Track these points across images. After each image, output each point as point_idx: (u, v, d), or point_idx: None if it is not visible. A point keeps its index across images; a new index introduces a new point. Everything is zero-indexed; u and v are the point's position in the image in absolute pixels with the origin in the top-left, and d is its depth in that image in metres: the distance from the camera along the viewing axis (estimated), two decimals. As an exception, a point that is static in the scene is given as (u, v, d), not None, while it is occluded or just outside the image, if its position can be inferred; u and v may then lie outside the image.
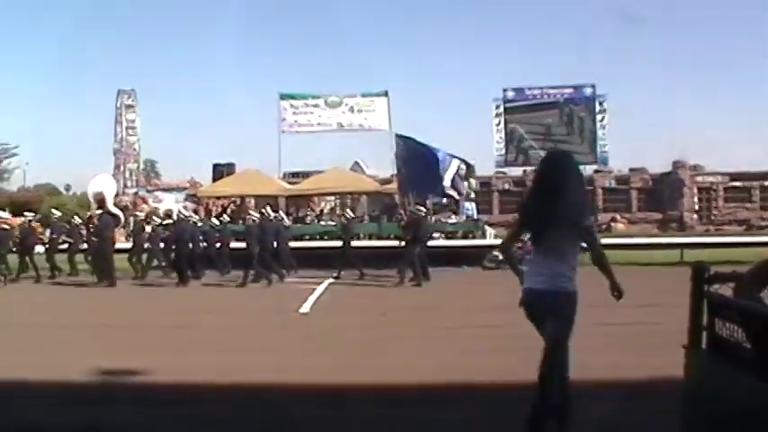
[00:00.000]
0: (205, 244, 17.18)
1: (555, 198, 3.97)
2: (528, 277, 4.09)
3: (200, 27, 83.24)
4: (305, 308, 11.67)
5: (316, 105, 27.83)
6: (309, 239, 20.60)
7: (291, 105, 28.08)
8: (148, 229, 17.58)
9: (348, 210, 20.85)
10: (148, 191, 39.53)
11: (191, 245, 16.43)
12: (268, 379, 6.32)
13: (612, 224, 29.90)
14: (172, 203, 33.54)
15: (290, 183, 26.23)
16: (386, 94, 26.55)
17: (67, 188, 60.23)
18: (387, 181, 24.23)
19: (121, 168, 40.75)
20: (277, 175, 26.90)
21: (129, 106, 40.96)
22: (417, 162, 18.61)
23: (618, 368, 6.00)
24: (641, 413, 4.93)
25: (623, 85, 75.48)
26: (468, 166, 20.33)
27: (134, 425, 5.18)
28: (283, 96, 28.43)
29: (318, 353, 7.92)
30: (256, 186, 24.87)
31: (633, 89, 73.70)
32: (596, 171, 46.24)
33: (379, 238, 20.03)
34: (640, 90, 74.40)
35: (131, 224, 19.06)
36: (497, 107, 47.08)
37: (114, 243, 16.54)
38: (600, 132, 46.28)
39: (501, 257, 16.79)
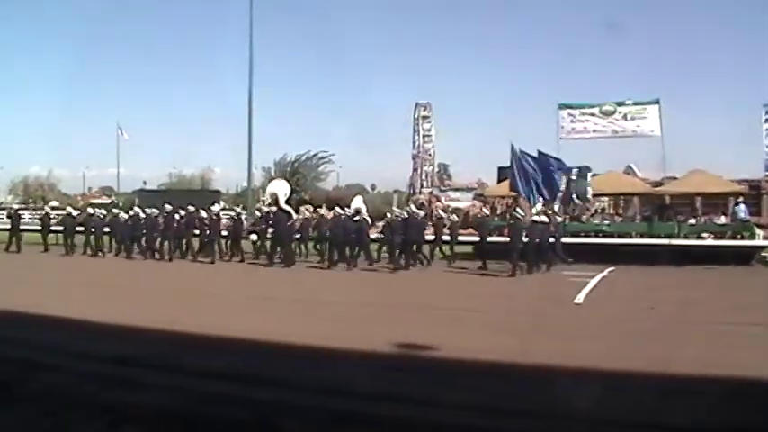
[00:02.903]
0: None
1: None
2: None
3: (487, 44, 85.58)
4: (579, 298, 12.13)
5: (591, 114, 28.59)
6: (585, 236, 21.63)
7: (569, 114, 29.11)
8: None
9: (484, 208, 22.30)
10: (441, 190, 42.57)
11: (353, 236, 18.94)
12: (538, 360, 6.64)
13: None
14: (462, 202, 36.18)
15: (568, 185, 27.47)
16: (657, 101, 26.68)
17: (373, 187, 66.35)
18: (658, 183, 24.56)
19: (418, 171, 43.92)
20: (556, 177, 28.26)
21: (425, 117, 43.88)
22: (530, 170, 20.10)
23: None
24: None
25: None
26: (581, 169, 21.09)
27: (419, 393, 5.55)
28: (562, 106, 29.58)
29: (589, 340, 8.21)
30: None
31: None
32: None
33: (651, 236, 20.61)
34: None
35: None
36: (767, 112, 43.32)
37: (290, 234, 19.92)
38: None
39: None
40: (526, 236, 16.95)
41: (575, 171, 20.86)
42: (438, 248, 19.93)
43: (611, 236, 21.16)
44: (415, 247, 18.67)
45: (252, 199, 34.89)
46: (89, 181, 73.00)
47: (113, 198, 54.68)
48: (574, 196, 20.79)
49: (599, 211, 28.58)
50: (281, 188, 21.76)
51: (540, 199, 19.78)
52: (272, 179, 54.30)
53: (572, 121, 29.44)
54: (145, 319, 9.09)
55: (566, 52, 77.86)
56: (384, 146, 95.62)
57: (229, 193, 51.89)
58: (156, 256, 21.19)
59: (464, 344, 7.70)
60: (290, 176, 50.81)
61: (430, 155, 44.24)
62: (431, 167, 44.63)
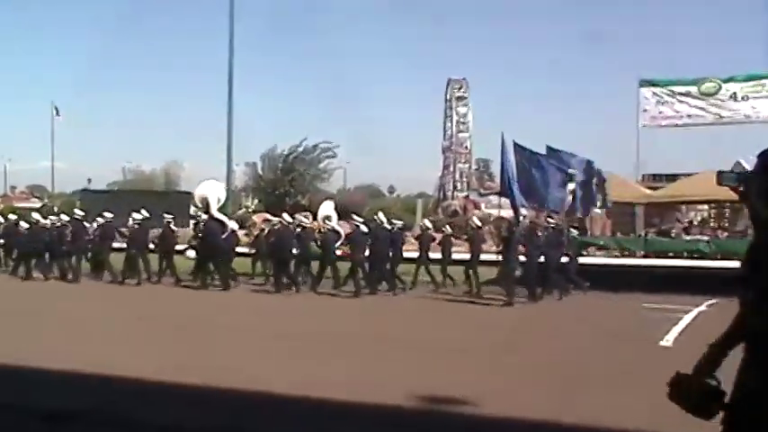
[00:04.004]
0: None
1: None
2: None
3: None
4: (667, 340, 11.90)
5: (686, 93, 27.23)
6: (674, 257, 20.47)
7: (654, 94, 27.91)
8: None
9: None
10: (481, 194, 40.87)
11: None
12: (610, 422, 6.67)
13: None
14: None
15: (650, 188, 26.20)
16: (781, 74, 25.20)
17: (391, 190, 65.51)
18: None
19: (451, 168, 42.34)
20: (635, 178, 27.02)
21: (460, 98, 42.36)
22: (531, 171, 19.57)
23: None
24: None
25: None
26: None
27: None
28: (643, 83, 28.28)
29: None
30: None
31: None
32: None
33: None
34: None
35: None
36: None
37: (226, 250, 20.18)
38: None
39: None
40: (525, 254, 17.12)
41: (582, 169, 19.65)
42: (423, 268, 20.02)
43: (713, 257, 20.50)
44: (388, 266, 19.02)
45: (231, 202, 33.82)
46: (12, 177, 72.61)
47: (46, 200, 53.87)
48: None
49: (695, 223, 27.27)
50: (214, 191, 21.44)
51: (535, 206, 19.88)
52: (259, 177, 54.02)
53: (658, 103, 28.15)
54: (72, 358, 8.90)
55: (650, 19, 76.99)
56: (404, 136, 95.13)
57: (203, 194, 50.64)
58: (62, 274, 21.15)
59: (511, 397, 7.56)
60: (283, 174, 49.43)
61: (466, 148, 43.01)
62: (467, 165, 43.38)
